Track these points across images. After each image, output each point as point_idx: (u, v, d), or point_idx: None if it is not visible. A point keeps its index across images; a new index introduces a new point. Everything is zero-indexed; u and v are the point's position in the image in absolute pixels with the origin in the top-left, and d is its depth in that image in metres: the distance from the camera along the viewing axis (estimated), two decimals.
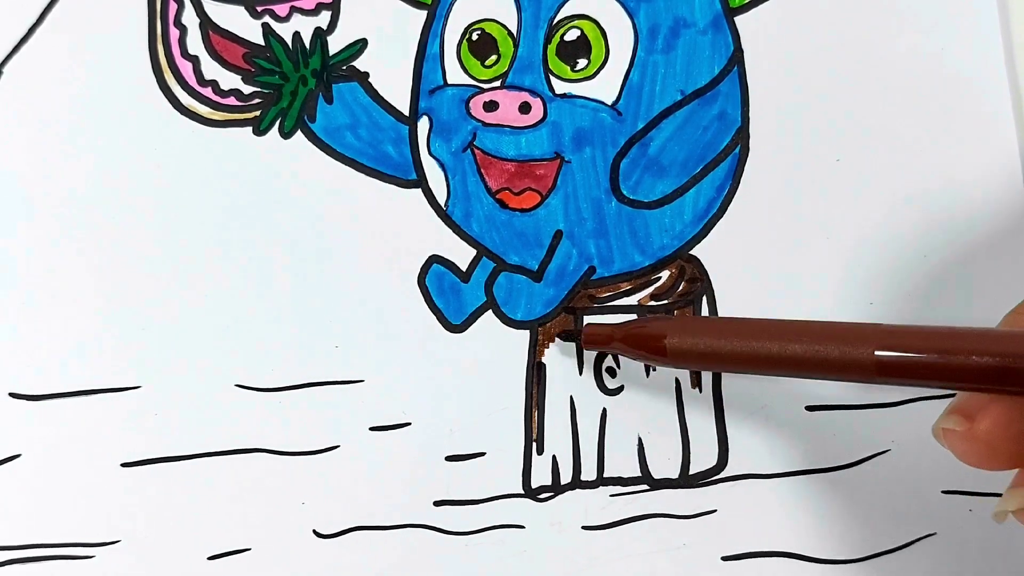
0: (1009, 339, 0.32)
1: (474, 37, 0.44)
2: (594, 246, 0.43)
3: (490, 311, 0.43)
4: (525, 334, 0.43)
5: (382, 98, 0.44)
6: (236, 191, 0.44)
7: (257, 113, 0.44)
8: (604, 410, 0.42)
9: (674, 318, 0.40)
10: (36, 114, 0.44)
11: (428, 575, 0.41)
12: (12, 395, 0.42)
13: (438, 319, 0.43)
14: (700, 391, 0.42)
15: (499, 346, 0.43)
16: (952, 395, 0.35)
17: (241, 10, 0.45)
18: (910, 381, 0.34)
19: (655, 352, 0.38)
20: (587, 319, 0.42)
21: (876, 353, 0.34)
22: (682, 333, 0.38)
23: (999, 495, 0.40)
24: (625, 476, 0.42)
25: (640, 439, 0.42)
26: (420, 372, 0.42)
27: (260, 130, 0.44)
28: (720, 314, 0.42)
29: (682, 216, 0.43)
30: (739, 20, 0.44)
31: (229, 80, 0.44)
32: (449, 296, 0.43)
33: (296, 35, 0.45)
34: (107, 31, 0.44)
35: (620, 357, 0.42)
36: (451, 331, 0.43)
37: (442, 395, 0.42)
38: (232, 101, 0.44)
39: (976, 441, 0.33)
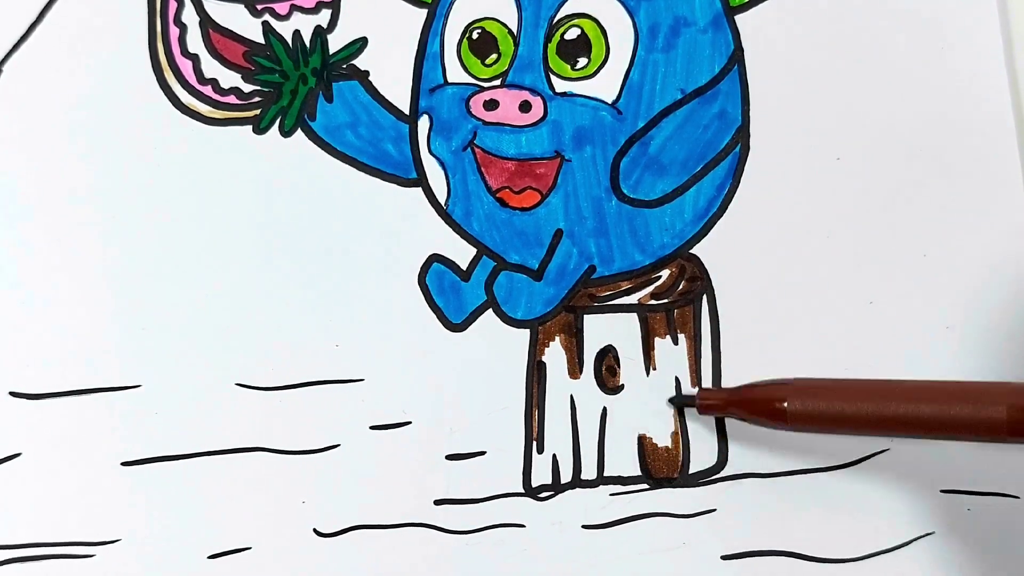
0: None
1: (474, 36, 0.44)
2: (594, 245, 0.43)
3: (490, 310, 0.43)
4: (525, 333, 0.43)
5: (382, 97, 0.44)
6: (236, 189, 0.44)
7: (257, 111, 0.44)
8: (604, 409, 0.42)
9: (792, 381, 0.39)
10: (36, 113, 0.44)
11: (428, 574, 0.41)
12: (12, 394, 0.42)
13: (438, 318, 0.43)
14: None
15: (499, 345, 0.43)
16: None
17: (241, 8, 0.45)
18: None
19: (775, 417, 0.38)
20: (698, 388, 0.42)
21: (1008, 411, 0.34)
22: (803, 396, 0.38)
23: (998, 495, 0.40)
24: (625, 475, 0.42)
25: (640, 439, 0.42)
26: (420, 371, 0.42)
27: (260, 128, 0.44)
28: (720, 313, 0.42)
29: (682, 215, 0.43)
30: (739, 19, 0.44)
31: (229, 78, 0.44)
32: (449, 295, 0.43)
33: (296, 33, 0.44)
34: (107, 30, 0.44)
35: (620, 356, 0.42)
36: (451, 330, 0.43)
37: (442, 394, 0.42)
38: (232, 99, 0.44)
39: None
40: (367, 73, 0.44)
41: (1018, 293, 0.42)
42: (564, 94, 0.43)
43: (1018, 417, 0.34)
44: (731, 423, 0.42)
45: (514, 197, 0.43)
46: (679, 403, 0.42)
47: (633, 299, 0.43)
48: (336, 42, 0.44)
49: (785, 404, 0.38)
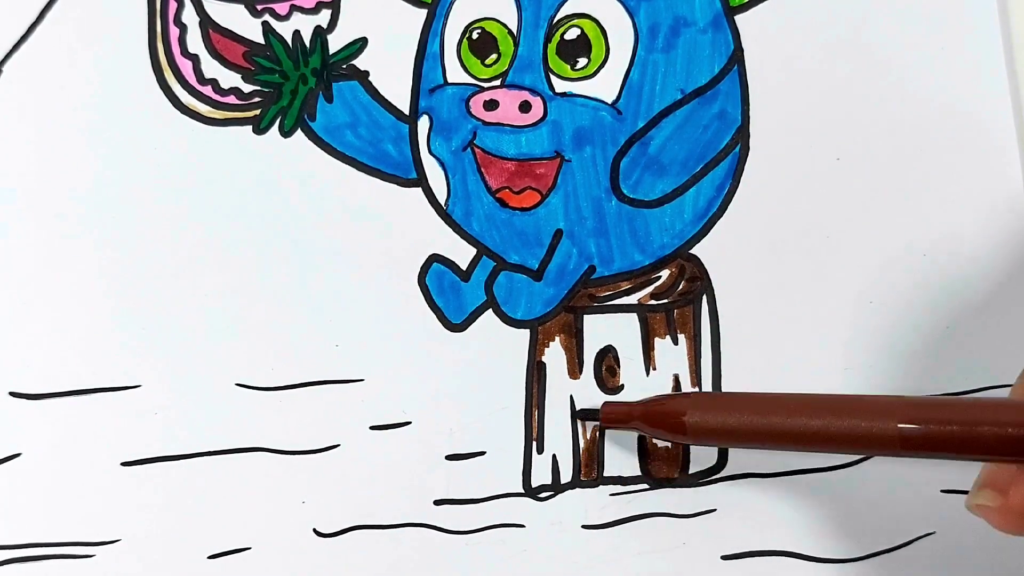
0: None
1: (474, 36, 0.44)
2: (594, 245, 0.43)
3: (490, 310, 0.43)
4: (525, 333, 0.43)
5: (382, 97, 0.44)
6: (236, 190, 0.44)
7: (257, 112, 0.44)
8: None
9: (693, 395, 0.39)
10: (36, 113, 0.44)
11: (428, 575, 0.41)
12: (12, 394, 0.42)
13: (438, 318, 0.43)
14: (700, 391, 0.42)
15: (499, 345, 0.43)
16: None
17: (241, 8, 0.45)
18: (935, 454, 0.34)
19: (675, 430, 0.38)
20: (606, 398, 0.42)
21: (900, 427, 0.33)
22: (702, 410, 0.38)
23: None
24: (625, 475, 0.42)
25: (640, 439, 0.42)
26: (420, 371, 0.42)
27: (260, 129, 0.44)
28: (720, 313, 0.42)
29: (682, 215, 0.43)
30: (739, 19, 0.44)
31: (229, 79, 0.44)
32: (449, 295, 0.43)
33: (296, 34, 0.44)
34: (107, 30, 0.44)
35: (620, 356, 0.42)
36: (451, 330, 0.43)
37: (442, 394, 0.42)
38: (232, 100, 0.44)
39: (1012, 513, 0.33)
40: (367, 73, 0.44)
41: (1018, 293, 0.42)
42: (564, 94, 0.43)
43: (910, 433, 0.33)
44: None
45: (514, 197, 0.43)
46: (582, 417, 0.42)
47: (633, 299, 0.43)
48: (336, 42, 0.44)
49: (685, 417, 0.38)
